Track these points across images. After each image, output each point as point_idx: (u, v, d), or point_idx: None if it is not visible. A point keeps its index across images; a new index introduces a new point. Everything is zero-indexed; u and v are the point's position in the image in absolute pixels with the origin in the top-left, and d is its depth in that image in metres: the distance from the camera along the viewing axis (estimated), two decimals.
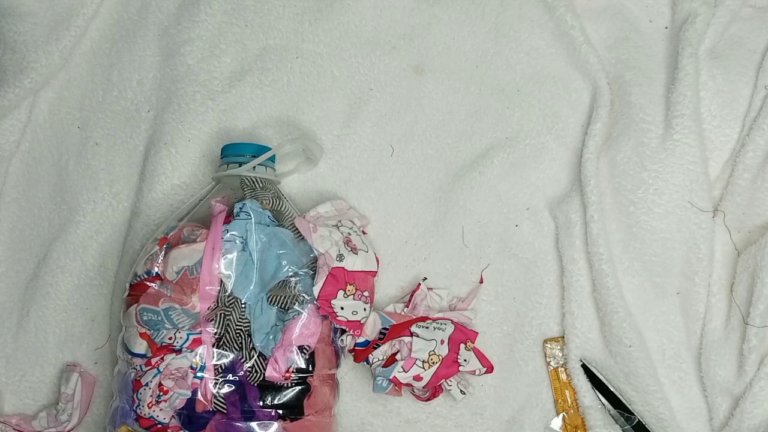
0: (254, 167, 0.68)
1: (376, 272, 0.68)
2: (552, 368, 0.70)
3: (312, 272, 0.65)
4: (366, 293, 0.67)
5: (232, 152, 0.69)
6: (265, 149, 0.69)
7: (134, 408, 0.62)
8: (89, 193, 0.78)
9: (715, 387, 0.66)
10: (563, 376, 0.69)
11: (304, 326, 0.63)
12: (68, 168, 0.79)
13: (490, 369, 0.68)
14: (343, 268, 0.65)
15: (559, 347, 0.70)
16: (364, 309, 0.66)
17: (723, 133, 0.71)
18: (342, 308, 0.65)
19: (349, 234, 0.68)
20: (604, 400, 0.67)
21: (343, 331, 0.67)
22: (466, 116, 0.76)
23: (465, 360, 0.66)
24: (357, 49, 0.78)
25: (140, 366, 0.62)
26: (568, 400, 0.69)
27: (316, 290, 0.64)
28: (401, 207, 0.75)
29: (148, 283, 0.63)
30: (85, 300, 0.76)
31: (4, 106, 0.77)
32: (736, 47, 0.73)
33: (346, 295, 0.65)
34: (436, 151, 0.76)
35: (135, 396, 0.62)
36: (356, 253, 0.66)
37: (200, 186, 0.76)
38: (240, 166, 0.68)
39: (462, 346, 0.66)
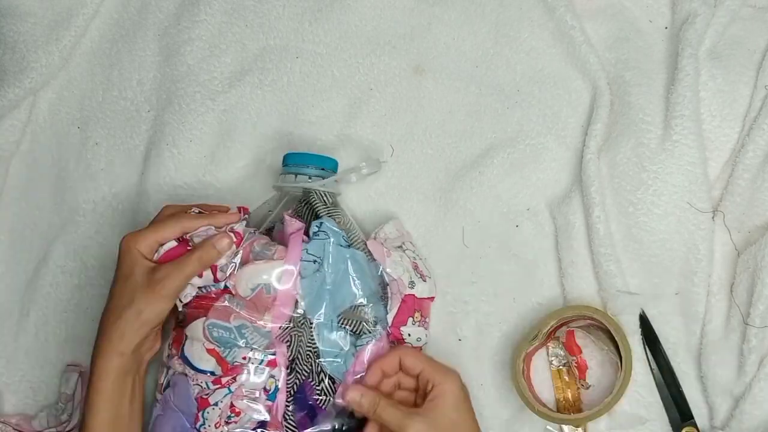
0: (321, 180, 0.66)
1: (434, 298, 0.68)
2: (554, 368, 0.70)
3: (382, 297, 0.64)
4: (427, 319, 0.67)
5: (298, 162, 0.68)
6: (329, 161, 0.68)
7: (197, 426, 0.59)
8: (89, 193, 0.78)
9: (715, 387, 0.66)
10: (565, 376, 0.69)
11: (376, 352, 0.62)
12: (68, 168, 0.79)
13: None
14: (414, 295, 0.65)
15: (561, 347, 0.70)
16: (426, 335, 0.66)
17: (723, 133, 0.71)
18: (409, 335, 0.64)
19: (415, 259, 0.67)
20: (650, 357, 0.67)
21: None
22: (466, 116, 0.76)
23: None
24: (357, 49, 0.78)
25: (206, 383, 0.60)
26: (570, 399, 0.69)
27: (390, 317, 0.63)
28: (401, 207, 0.75)
29: (215, 296, 0.61)
30: (85, 300, 0.76)
31: (4, 106, 0.77)
32: (736, 47, 0.72)
33: (413, 322, 0.65)
34: (436, 151, 0.75)
35: (200, 415, 0.59)
36: (424, 280, 0.66)
37: (201, 186, 0.76)
38: (310, 178, 0.66)
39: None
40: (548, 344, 0.70)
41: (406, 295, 0.64)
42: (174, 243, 0.61)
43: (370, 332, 0.63)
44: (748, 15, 0.73)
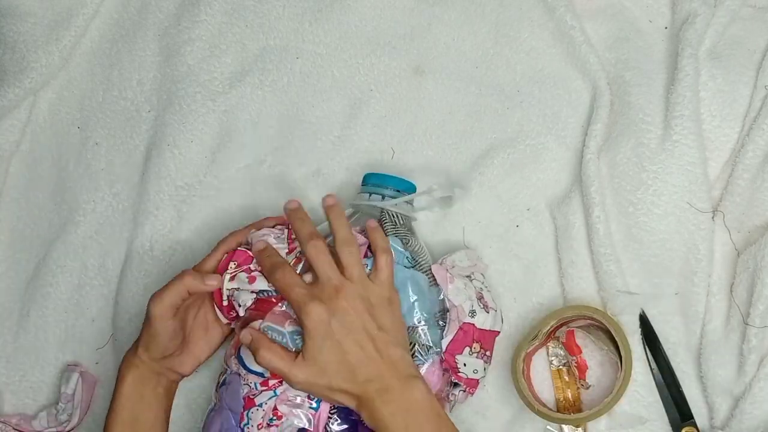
0: (393, 200, 0.66)
1: (499, 332, 0.67)
2: (555, 368, 0.70)
3: (440, 322, 0.64)
4: (488, 353, 0.66)
5: (375, 182, 0.67)
6: (406, 184, 0.68)
7: (241, 425, 0.59)
8: (89, 193, 0.78)
9: (715, 387, 0.66)
10: (566, 376, 0.69)
11: (427, 377, 0.61)
12: (68, 168, 0.79)
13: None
14: (474, 324, 0.64)
15: (561, 347, 0.70)
16: (484, 369, 0.65)
17: (723, 133, 0.71)
18: (465, 365, 0.63)
19: (481, 290, 0.66)
20: (650, 357, 0.67)
21: (456, 385, 0.65)
22: (466, 117, 0.76)
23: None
24: (357, 50, 0.78)
25: (255, 384, 0.60)
26: (570, 399, 0.69)
27: (444, 343, 0.62)
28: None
29: (276, 301, 0.61)
30: (85, 300, 0.76)
31: (4, 106, 0.77)
32: (736, 47, 0.72)
33: (471, 353, 0.64)
34: (437, 152, 0.75)
35: (245, 414, 0.59)
36: (488, 312, 0.65)
37: (202, 187, 0.76)
38: (383, 198, 0.66)
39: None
40: (548, 344, 0.70)
41: (465, 324, 0.63)
42: None
43: (422, 356, 0.62)
44: (748, 15, 0.73)
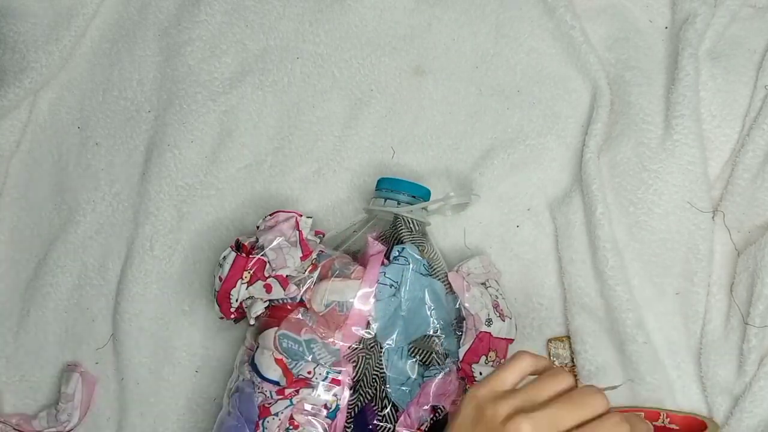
0: (409, 206, 0.66)
1: (513, 340, 0.67)
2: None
3: (457, 331, 0.63)
4: (502, 361, 0.65)
5: (390, 187, 0.67)
6: (421, 189, 0.68)
7: None
8: (89, 193, 0.78)
9: (715, 387, 0.66)
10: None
11: (443, 386, 0.61)
12: (68, 168, 0.79)
13: None
14: (490, 333, 0.63)
15: (563, 346, 0.70)
16: None
17: (723, 133, 0.71)
18: (480, 374, 0.63)
19: (497, 298, 0.66)
20: None
21: None
22: (466, 117, 0.76)
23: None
24: (357, 50, 0.78)
25: (270, 393, 0.60)
26: None
27: (461, 352, 0.62)
28: None
29: (291, 308, 0.61)
30: (85, 300, 0.76)
31: (4, 106, 0.77)
32: (736, 47, 0.73)
33: (486, 361, 0.64)
34: (437, 152, 0.75)
35: (261, 423, 0.59)
36: (503, 320, 0.65)
37: (203, 187, 0.76)
38: (399, 204, 0.66)
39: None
40: (549, 344, 0.70)
41: (481, 333, 0.63)
42: (234, 254, 0.62)
43: (439, 364, 0.62)
44: (748, 15, 0.74)
